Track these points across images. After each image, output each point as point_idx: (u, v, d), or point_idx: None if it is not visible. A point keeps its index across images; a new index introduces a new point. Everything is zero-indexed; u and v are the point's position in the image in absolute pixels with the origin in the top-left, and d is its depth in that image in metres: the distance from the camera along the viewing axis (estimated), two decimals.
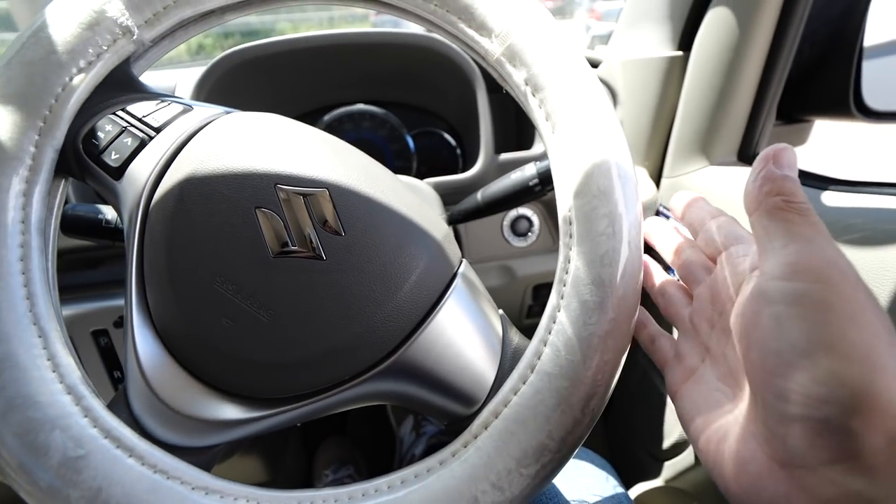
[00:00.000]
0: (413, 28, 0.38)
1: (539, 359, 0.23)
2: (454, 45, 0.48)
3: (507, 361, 0.26)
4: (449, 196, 0.48)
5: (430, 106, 0.60)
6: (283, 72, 0.51)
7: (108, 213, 0.39)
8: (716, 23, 0.49)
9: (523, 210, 0.57)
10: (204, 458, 0.24)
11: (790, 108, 0.54)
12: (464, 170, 0.54)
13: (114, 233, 0.39)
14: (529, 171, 0.41)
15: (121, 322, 0.49)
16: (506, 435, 0.22)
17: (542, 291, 0.62)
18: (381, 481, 0.23)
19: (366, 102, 0.58)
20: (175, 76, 0.52)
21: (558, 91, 0.24)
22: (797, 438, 0.15)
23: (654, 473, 0.67)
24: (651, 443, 0.66)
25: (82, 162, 0.26)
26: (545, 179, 0.41)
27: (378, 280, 0.24)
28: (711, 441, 0.20)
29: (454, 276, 0.26)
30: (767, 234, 0.18)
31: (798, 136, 0.58)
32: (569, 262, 0.23)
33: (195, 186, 0.23)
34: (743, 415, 0.19)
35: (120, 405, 0.24)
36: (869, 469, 0.14)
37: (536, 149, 0.55)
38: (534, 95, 0.25)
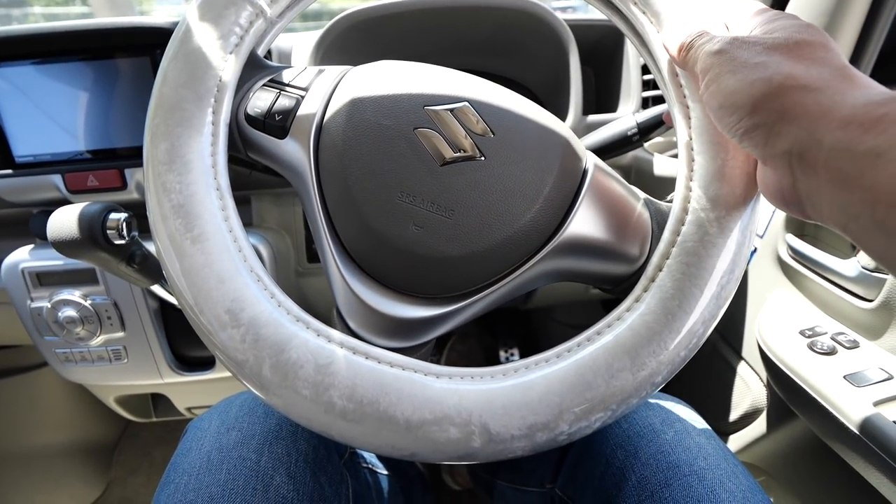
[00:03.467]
0: None
1: (690, 202, 0.25)
2: (551, 9, 0.52)
3: (659, 216, 0.29)
4: None
5: (515, 74, 0.63)
6: (388, 36, 0.55)
7: None
8: None
9: None
10: (421, 355, 0.28)
11: (883, 78, 0.54)
12: None
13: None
14: (628, 121, 0.44)
15: None
16: (682, 268, 0.25)
17: None
18: (581, 337, 0.26)
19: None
20: (290, 40, 0.57)
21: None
22: (753, 140, 0.21)
23: None
24: (718, 417, 0.66)
25: (246, 135, 0.30)
26: (644, 130, 0.43)
27: (534, 168, 0.27)
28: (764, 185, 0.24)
29: (586, 159, 0.29)
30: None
31: None
32: (689, 134, 0.26)
33: (356, 124, 0.27)
34: None
35: (339, 324, 0.29)
36: (793, 120, 0.19)
37: (620, 112, 0.57)
38: (651, 23, 0.28)
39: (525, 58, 0.58)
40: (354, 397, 0.24)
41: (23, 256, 0.54)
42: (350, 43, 0.54)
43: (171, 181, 0.26)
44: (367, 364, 0.24)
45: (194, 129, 0.26)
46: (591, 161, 0.29)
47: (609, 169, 0.30)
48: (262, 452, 0.34)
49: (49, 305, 0.54)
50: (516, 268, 0.28)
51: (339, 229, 0.28)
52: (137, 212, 0.44)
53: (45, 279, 0.54)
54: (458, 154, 0.27)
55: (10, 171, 0.51)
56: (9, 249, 0.58)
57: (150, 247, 0.52)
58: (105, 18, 0.49)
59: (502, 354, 1.09)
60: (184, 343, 0.58)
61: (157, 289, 0.52)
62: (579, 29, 0.55)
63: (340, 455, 0.41)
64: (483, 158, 0.27)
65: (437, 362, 1.09)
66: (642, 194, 0.30)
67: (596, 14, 0.61)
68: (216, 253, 0.25)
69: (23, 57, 0.49)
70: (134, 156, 0.51)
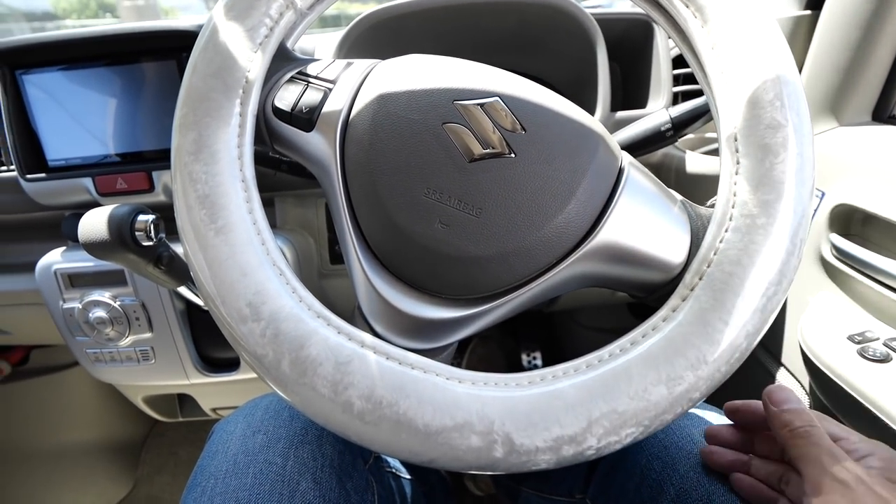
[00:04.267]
0: None
1: (734, 207, 0.24)
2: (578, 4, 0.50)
3: (698, 220, 0.27)
4: None
5: (538, 70, 0.62)
6: (409, 34, 0.55)
7: None
8: None
9: None
10: (442, 358, 0.28)
11: None
12: None
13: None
14: (661, 116, 0.42)
15: None
16: (724, 277, 0.23)
17: None
18: (613, 346, 0.24)
19: None
20: (313, 41, 0.57)
21: (723, 13, 0.25)
22: None
23: None
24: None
25: (272, 127, 0.29)
26: (679, 125, 0.41)
27: (566, 167, 0.26)
28: None
29: (622, 158, 0.28)
30: (796, 462, 0.26)
31: None
32: (736, 136, 0.24)
33: (383, 118, 0.27)
34: None
35: (360, 323, 0.28)
36: None
37: (650, 108, 0.55)
38: (695, 17, 0.26)
39: (549, 53, 0.57)
40: (373, 398, 0.23)
41: (55, 258, 0.55)
42: (372, 42, 0.53)
43: (197, 171, 0.26)
44: (388, 365, 0.24)
45: (222, 119, 0.26)
46: (625, 160, 0.28)
47: (645, 169, 0.29)
48: (288, 457, 0.33)
49: (80, 306, 0.55)
50: (545, 271, 0.26)
51: (363, 225, 0.28)
52: (165, 214, 0.45)
53: (76, 280, 0.55)
54: (487, 150, 0.26)
55: (43, 175, 0.52)
56: (42, 251, 0.59)
57: (178, 248, 0.52)
58: (131, 23, 0.50)
59: (524, 358, 1.07)
60: (209, 344, 0.59)
61: (183, 290, 0.52)
62: (605, 22, 0.54)
63: (365, 460, 0.41)
64: (513, 155, 0.26)
65: (459, 365, 1.07)
66: (679, 196, 0.29)
67: (622, 7, 0.59)
68: (239, 245, 0.25)
69: (53, 63, 0.50)
70: (161, 158, 0.52)
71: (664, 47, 0.55)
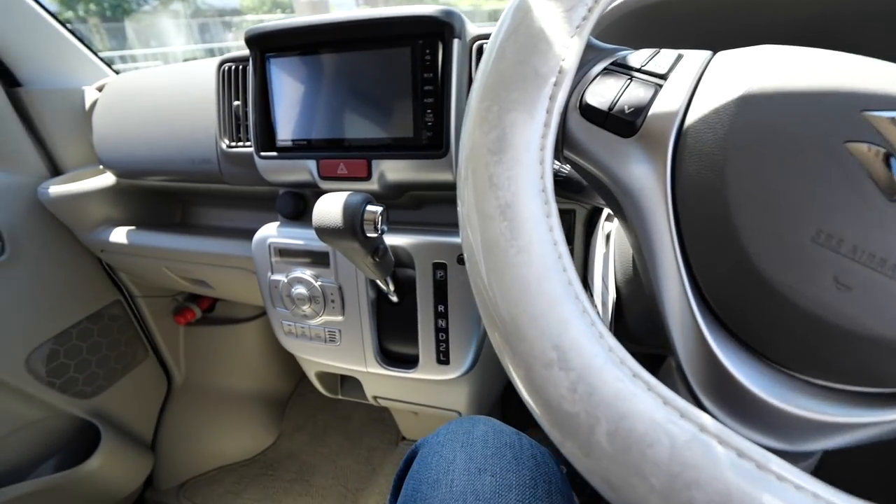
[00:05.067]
0: None
1: None
2: None
3: None
4: None
5: None
6: (662, 27, 0.47)
7: None
8: None
9: None
10: (805, 466, 0.22)
11: None
12: None
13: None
14: None
15: (462, 260, 0.51)
16: None
17: None
18: None
19: None
20: None
21: None
22: None
23: None
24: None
25: (572, 129, 0.25)
26: None
27: None
28: None
29: None
30: None
31: None
32: None
33: (746, 126, 0.20)
34: None
35: (680, 391, 0.23)
36: None
37: None
38: None
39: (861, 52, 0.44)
40: None
41: (271, 232, 0.59)
42: (619, 34, 0.46)
43: (499, 175, 0.22)
44: (743, 466, 0.17)
45: (528, 115, 0.22)
46: None
47: None
48: None
49: (286, 280, 0.58)
50: None
51: (696, 266, 0.21)
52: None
53: (285, 255, 0.58)
54: None
55: (274, 154, 0.55)
56: (255, 221, 0.64)
57: (387, 241, 0.52)
58: (374, 9, 0.49)
59: None
60: (390, 337, 0.58)
61: (380, 282, 0.51)
62: None
63: None
64: None
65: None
66: None
67: None
68: (543, 270, 0.20)
69: (293, 48, 0.52)
70: (382, 147, 0.51)
71: None
